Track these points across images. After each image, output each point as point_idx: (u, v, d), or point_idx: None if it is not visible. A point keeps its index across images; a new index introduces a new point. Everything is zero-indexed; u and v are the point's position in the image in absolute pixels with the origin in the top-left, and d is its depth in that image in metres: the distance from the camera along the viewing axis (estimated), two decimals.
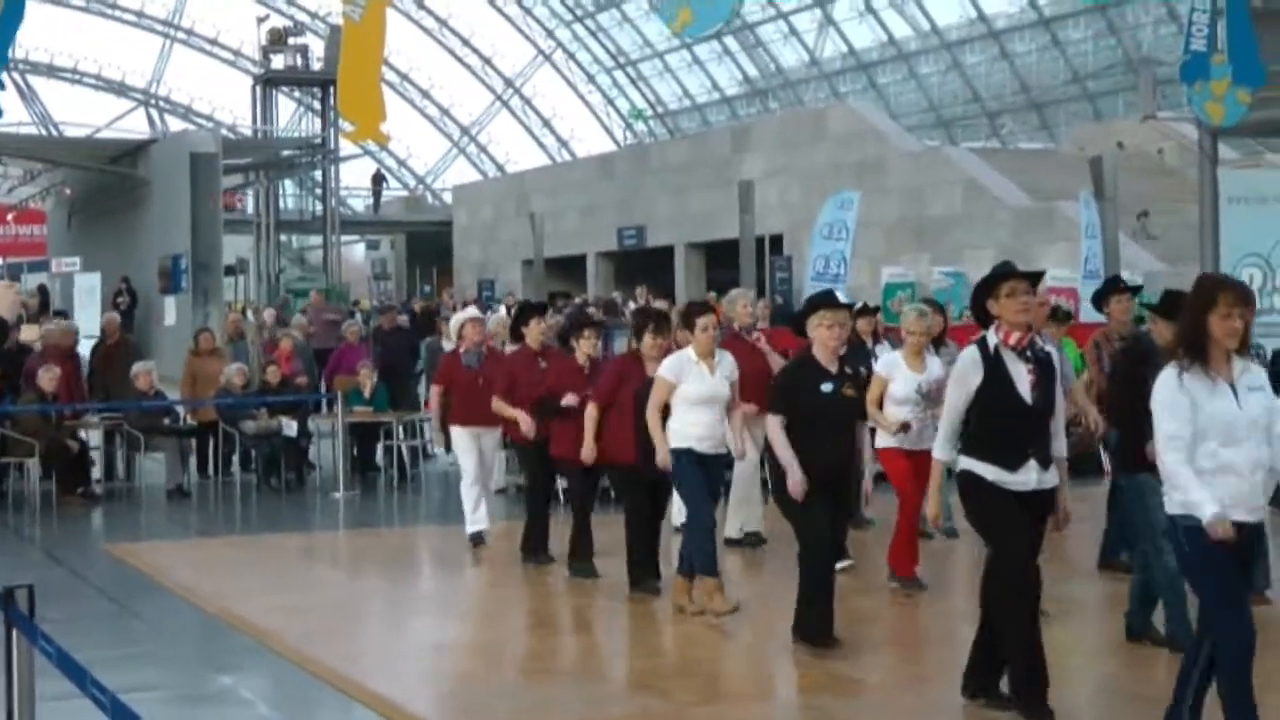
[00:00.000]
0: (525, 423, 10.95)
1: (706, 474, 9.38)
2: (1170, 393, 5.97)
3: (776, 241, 35.05)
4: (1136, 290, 10.45)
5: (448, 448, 13.86)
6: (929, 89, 56.35)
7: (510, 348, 12.64)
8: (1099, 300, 10.49)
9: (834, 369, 8.38)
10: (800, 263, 29.83)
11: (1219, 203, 21.54)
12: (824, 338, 8.36)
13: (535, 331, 11.64)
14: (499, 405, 11.33)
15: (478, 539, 12.34)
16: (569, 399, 10.62)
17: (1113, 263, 20.31)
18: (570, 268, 44.08)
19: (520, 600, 10.83)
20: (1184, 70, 19.90)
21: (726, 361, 9.51)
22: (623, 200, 43.46)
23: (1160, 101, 37.75)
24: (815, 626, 8.28)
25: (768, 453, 8.65)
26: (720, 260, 36.85)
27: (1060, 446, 7.05)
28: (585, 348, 10.98)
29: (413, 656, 8.97)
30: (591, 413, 10.16)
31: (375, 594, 11.26)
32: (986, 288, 7.00)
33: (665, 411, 9.38)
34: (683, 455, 9.30)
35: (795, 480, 8.15)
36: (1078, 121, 47.68)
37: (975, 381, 6.87)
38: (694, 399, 9.28)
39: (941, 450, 7.10)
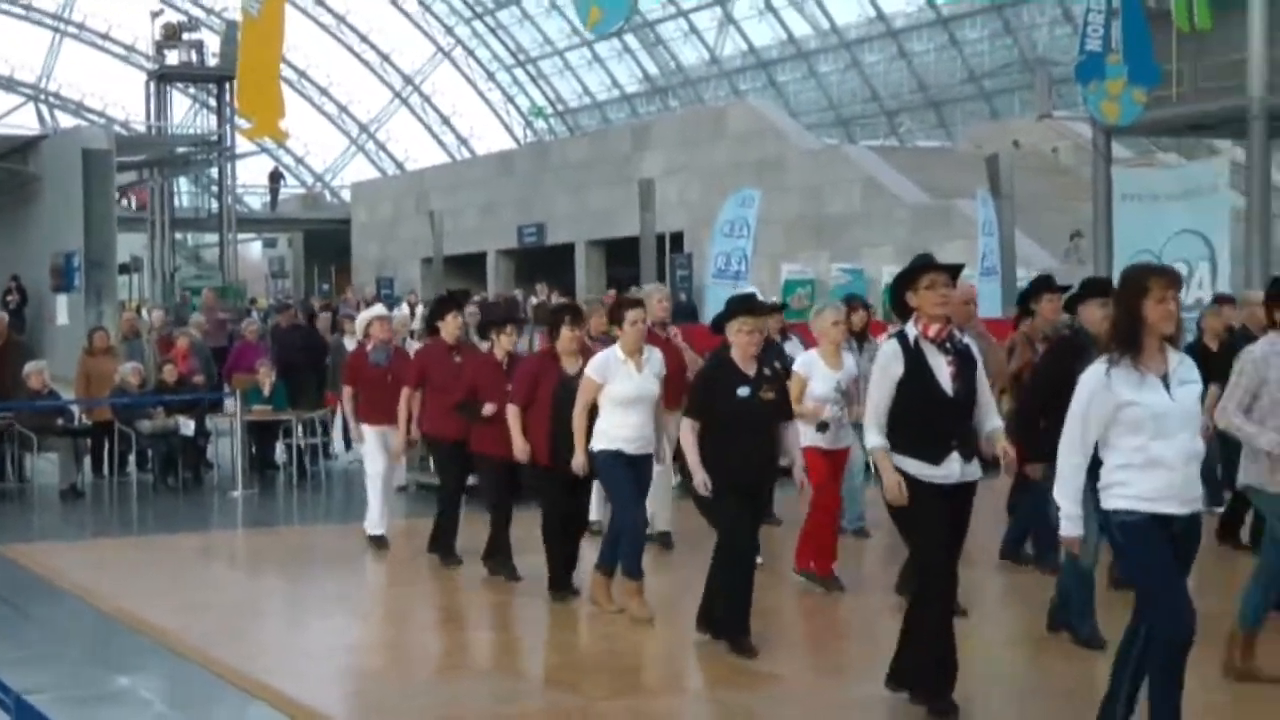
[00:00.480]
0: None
1: (635, 475, 9.19)
2: (1089, 393, 5.97)
3: (677, 239, 35.13)
4: (1065, 290, 10.49)
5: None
6: (828, 87, 56.73)
7: (413, 345, 12.54)
8: (1027, 298, 10.50)
9: (751, 372, 8.28)
10: (701, 260, 29.89)
11: (1113, 200, 21.90)
12: (743, 343, 8.27)
13: (452, 325, 11.52)
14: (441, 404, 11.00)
15: (380, 542, 12.25)
16: (489, 408, 10.49)
17: (1009, 260, 20.50)
18: (470, 265, 43.89)
19: (426, 597, 10.75)
20: (1079, 70, 20.19)
21: (655, 358, 9.29)
22: (523, 198, 43.35)
23: (1056, 101, 38.22)
24: (729, 622, 8.23)
25: (680, 453, 8.59)
26: (621, 258, 36.86)
27: (994, 421, 7.06)
28: (505, 344, 10.82)
29: (316, 655, 8.88)
30: (513, 411, 9.99)
31: (276, 593, 11.13)
32: (906, 280, 6.97)
33: (594, 411, 9.23)
34: (610, 458, 9.11)
35: (698, 481, 8.13)
36: (974, 120, 48.20)
37: (897, 372, 6.84)
38: (621, 399, 9.07)
39: (875, 438, 6.94)
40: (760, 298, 9.16)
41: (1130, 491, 5.92)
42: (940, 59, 53.22)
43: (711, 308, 19.82)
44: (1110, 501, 5.98)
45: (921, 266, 6.98)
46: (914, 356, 6.84)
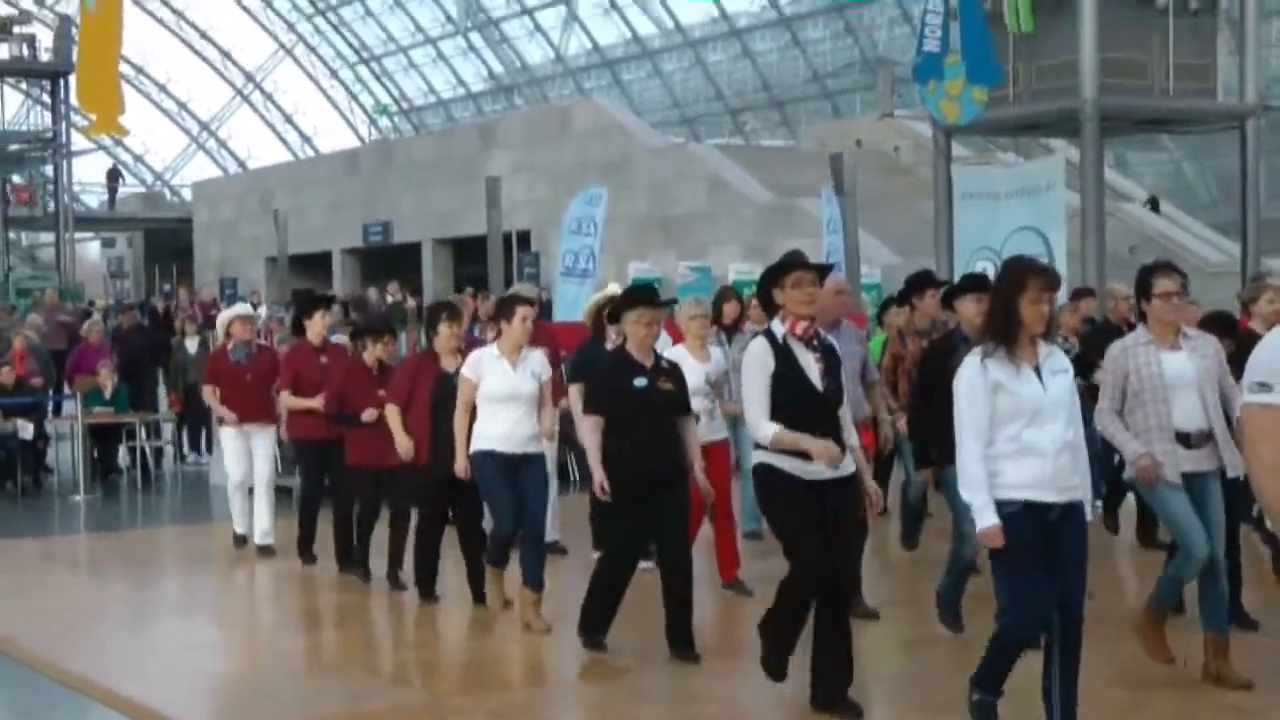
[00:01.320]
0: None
1: (514, 477, 8.95)
2: (969, 382, 6.03)
3: (524, 238, 35.09)
4: (944, 284, 10.51)
5: None
6: (673, 86, 57.07)
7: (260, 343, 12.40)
8: (907, 293, 10.41)
9: (648, 363, 8.17)
10: (548, 259, 29.90)
11: (953, 198, 22.33)
12: (641, 335, 8.13)
13: (318, 325, 11.45)
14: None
15: (240, 540, 12.13)
16: (369, 414, 10.37)
17: (853, 257, 20.79)
18: (316, 265, 43.46)
19: (281, 598, 10.66)
20: (917, 71, 20.52)
21: (535, 357, 9.13)
22: (368, 197, 43.02)
23: (897, 100, 38.89)
24: (587, 615, 8.18)
25: (569, 448, 8.40)
26: (468, 256, 36.76)
27: (853, 434, 7.08)
28: (378, 351, 10.73)
29: (166, 658, 8.73)
30: (393, 412, 9.86)
31: (123, 597, 10.94)
32: (773, 277, 6.99)
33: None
34: (484, 459, 8.94)
35: (599, 481, 8.01)
36: (818, 119, 48.80)
37: (771, 368, 6.83)
38: (493, 397, 8.92)
39: (766, 427, 6.84)
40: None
41: (1004, 480, 6.00)
42: (784, 58, 53.83)
43: (561, 306, 19.85)
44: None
45: (789, 265, 7.00)
46: (783, 354, 6.86)
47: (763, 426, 6.81)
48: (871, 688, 7.28)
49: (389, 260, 41.84)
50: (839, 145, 29.90)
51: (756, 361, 6.89)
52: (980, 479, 5.98)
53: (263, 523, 11.96)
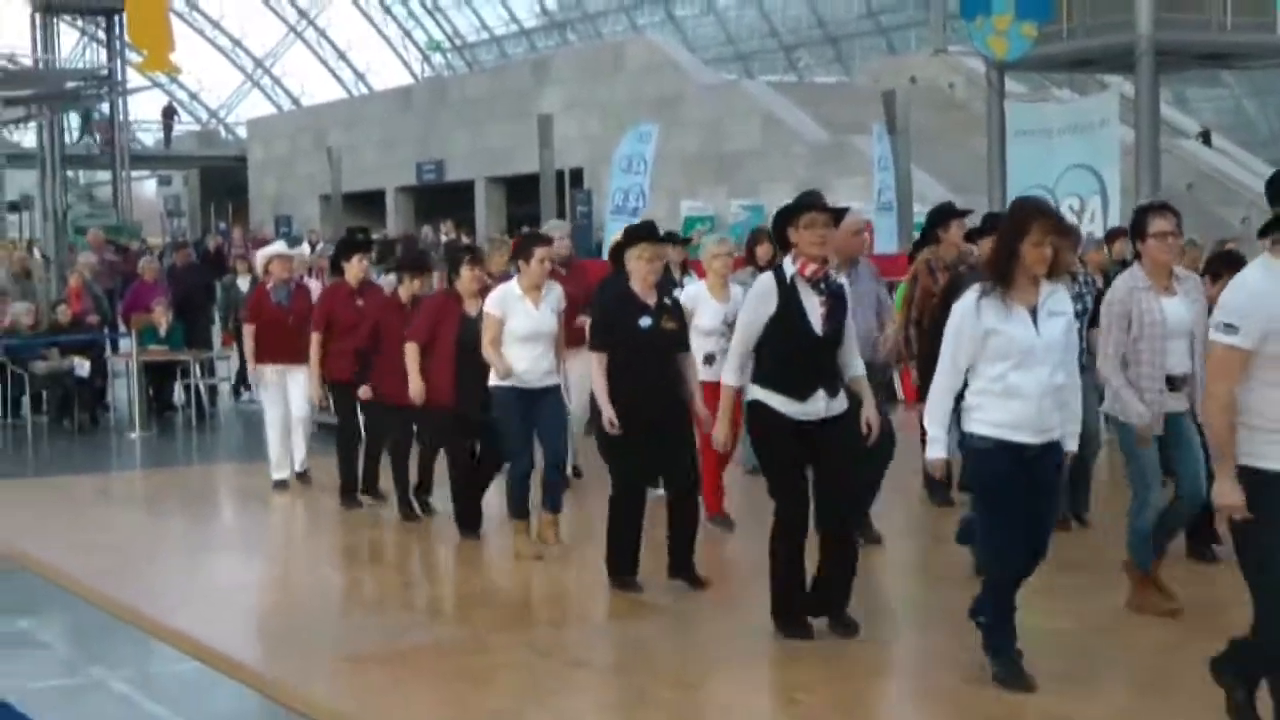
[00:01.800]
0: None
1: (537, 409, 9.02)
2: (959, 319, 6.15)
3: (577, 175, 35.09)
4: (966, 214, 10.46)
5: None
6: (726, 23, 56.74)
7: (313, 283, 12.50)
8: (933, 225, 10.39)
9: (652, 302, 8.24)
10: (601, 197, 29.91)
11: (1005, 136, 22.16)
12: (643, 270, 8.21)
13: (356, 268, 11.50)
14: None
15: (281, 485, 12.25)
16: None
17: (905, 195, 20.71)
18: (369, 203, 43.62)
19: (324, 536, 10.81)
20: (965, 5, 20.32)
21: (554, 294, 9.17)
22: (421, 135, 43.08)
23: (950, 36, 38.53)
24: (614, 559, 8.28)
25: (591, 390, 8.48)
26: (520, 195, 36.78)
27: (858, 366, 7.22)
28: (414, 288, 10.86)
29: (213, 592, 8.91)
30: (411, 350, 9.95)
31: (176, 533, 11.11)
32: (787, 216, 7.06)
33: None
34: (503, 394, 9.01)
35: (607, 417, 8.11)
36: (872, 55, 48.45)
37: (769, 309, 6.96)
38: (518, 335, 8.97)
39: (733, 375, 7.18)
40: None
41: (985, 417, 6.14)
42: None
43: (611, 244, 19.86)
44: (968, 425, 6.22)
45: (804, 205, 7.07)
46: (788, 293, 6.96)
47: (729, 373, 7.19)
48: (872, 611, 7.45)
49: (442, 199, 41.95)
50: (893, 82, 29.68)
51: (756, 302, 7.03)
52: (945, 414, 6.21)
53: (299, 454, 12.31)
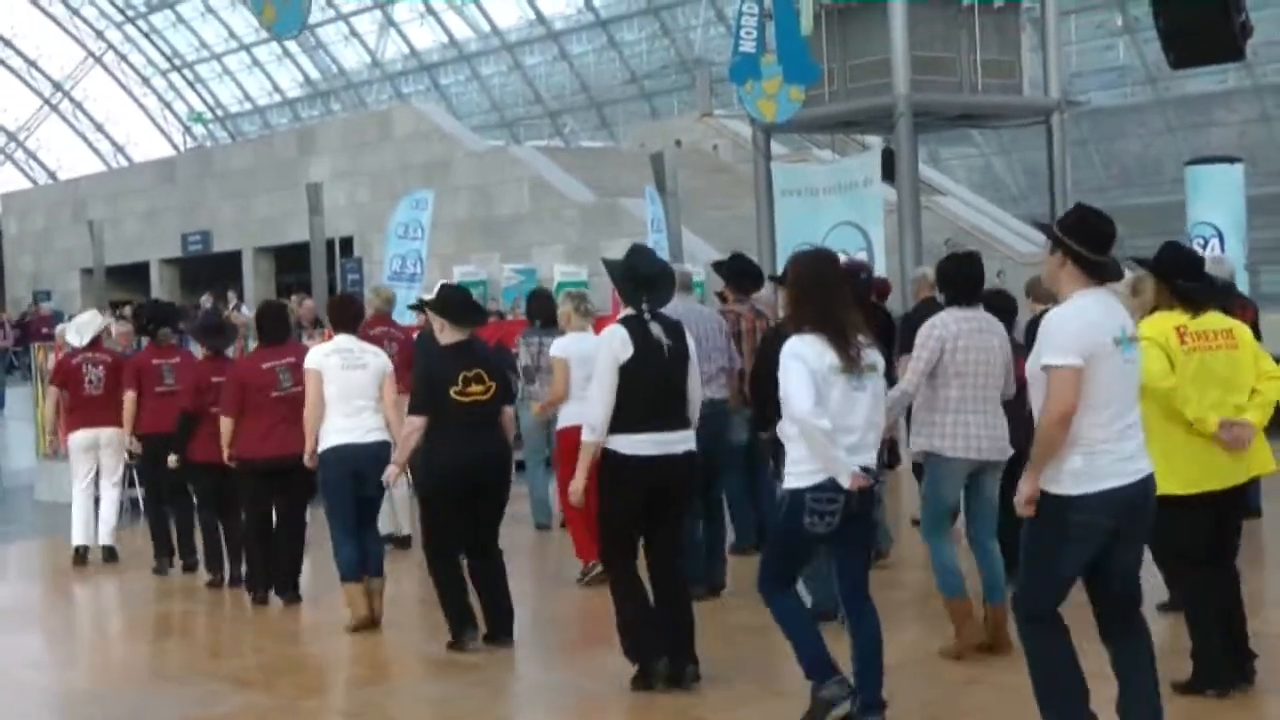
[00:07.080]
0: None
1: (355, 470, 8.90)
2: (797, 358, 6.24)
3: (347, 243, 34.87)
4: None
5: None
6: (491, 90, 57.05)
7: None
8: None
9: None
10: (371, 264, 29.81)
11: (774, 196, 22.72)
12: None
13: (165, 333, 11.57)
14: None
15: (81, 553, 11.84)
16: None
17: (677, 254, 21.07)
18: (133, 275, 42.70)
19: (124, 608, 10.57)
20: (734, 71, 20.77)
21: (376, 356, 9.20)
22: (187, 205, 42.39)
23: (714, 100, 39.35)
24: (452, 626, 8.26)
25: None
26: (290, 264, 36.43)
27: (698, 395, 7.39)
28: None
29: (5, 673, 8.63)
30: (225, 425, 9.82)
31: None
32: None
33: None
34: (324, 456, 8.94)
35: (391, 471, 8.24)
36: (637, 120, 49.17)
37: (626, 357, 7.04)
38: (334, 396, 8.92)
39: (597, 433, 7.10)
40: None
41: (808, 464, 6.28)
42: (601, 60, 54.14)
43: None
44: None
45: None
46: (643, 334, 7.09)
47: (588, 431, 7.15)
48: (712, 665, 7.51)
49: (209, 269, 41.26)
50: (658, 145, 30.14)
51: (613, 352, 7.07)
52: (827, 445, 6.18)
53: (86, 530, 11.86)
